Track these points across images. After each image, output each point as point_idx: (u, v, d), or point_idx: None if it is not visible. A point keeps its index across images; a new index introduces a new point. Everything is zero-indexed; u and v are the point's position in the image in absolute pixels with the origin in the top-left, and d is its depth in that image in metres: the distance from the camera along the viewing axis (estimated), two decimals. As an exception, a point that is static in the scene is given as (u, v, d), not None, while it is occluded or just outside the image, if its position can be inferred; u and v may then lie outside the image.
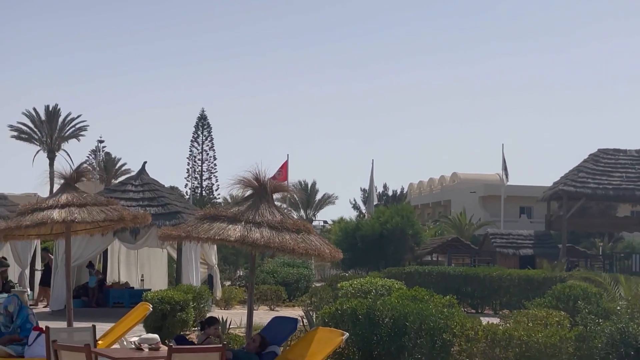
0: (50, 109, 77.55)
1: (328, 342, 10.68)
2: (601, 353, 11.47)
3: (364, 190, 71.96)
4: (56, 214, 12.49)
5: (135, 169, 68.32)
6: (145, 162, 26.46)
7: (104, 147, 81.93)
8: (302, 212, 78.62)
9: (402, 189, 77.11)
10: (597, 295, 17.48)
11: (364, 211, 67.26)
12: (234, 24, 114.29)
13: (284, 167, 46.27)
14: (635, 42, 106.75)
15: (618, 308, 14.65)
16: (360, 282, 20.97)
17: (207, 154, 76.34)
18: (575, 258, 44.91)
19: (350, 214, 71.70)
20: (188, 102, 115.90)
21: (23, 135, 77.08)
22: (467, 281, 29.84)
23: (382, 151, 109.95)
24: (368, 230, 44.28)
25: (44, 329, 11.37)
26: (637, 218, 53.86)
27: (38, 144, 76.97)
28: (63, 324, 13.67)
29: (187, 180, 76.31)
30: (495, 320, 14.84)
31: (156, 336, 11.44)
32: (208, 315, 19.05)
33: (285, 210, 18.16)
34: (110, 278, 28.74)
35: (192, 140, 76.51)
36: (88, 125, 78.06)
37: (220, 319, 15.20)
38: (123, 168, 79.88)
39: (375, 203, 56.07)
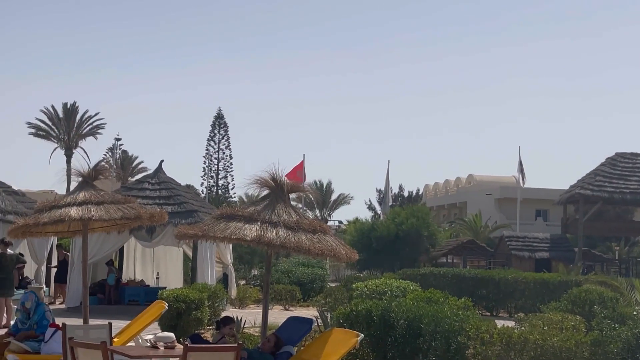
0: (68, 106, 77.92)
1: (343, 343, 10.67)
2: (617, 358, 11.41)
3: (379, 191, 71.20)
4: (74, 212, 12.53)
5: (151, 167, 68.92)
6: (162, 161, 26.62)
7: (121, 145, 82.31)
8: (317, 212, 78.70)
9: (418, 190, 77.07)
10: (613, 299, 17.40)
11: (379, 212, 67.05)
12: (254, 24, 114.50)
13: (300, 168, 46.21)
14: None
15: (634, 313, 14.56)
16: (375, 283, 20.96)
17: (224, 153, 76.62)
18: (591, 262, 44.72)
19: (366, 215, 71.74)
20: (205, 101, 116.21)
21: (40, 133, 77.46)
22: (482, 284, 29.75)
23: (398, 152, 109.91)
24: (383, 231, 44.22)
25: (60, 325, 11.41)
26: (654, 222, 53.52)
27: (55, 141, 77.34)
28: (79, 321, 13.73)
29: (203, 179, 76.78)
30: (510, 324, 14.80)
31: (172, 335, 11.47)
32: (223, 314, 19.09)
33: (301, 210, 18.13)
34: (126, 276, 28.84)
35: (208, 139, 76.78)
36: (105, 123, 78.45)
37: (235, 319, 15.22)
38: (140, 166, 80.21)
39: (390, 204, 55.60)
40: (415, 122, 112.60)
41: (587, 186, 44.63)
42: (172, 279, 28.55)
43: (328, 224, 64.71)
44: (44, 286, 25.09)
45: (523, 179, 55.34)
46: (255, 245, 11.02)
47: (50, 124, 77.04)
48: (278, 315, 21.96)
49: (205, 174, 76.52)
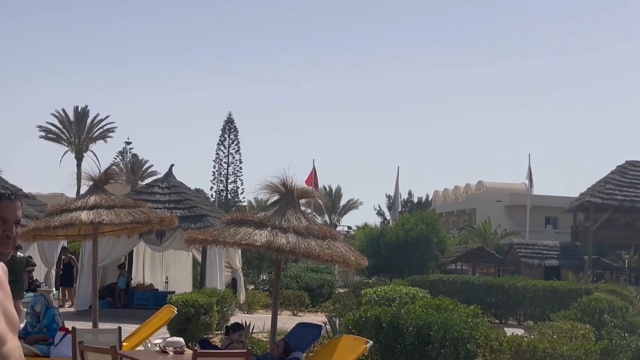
0: (79, 110, 78.11)
1: (352, 350, 10.66)
2: (627, 367, 11.35)
3: (388, 197, 71.56)
4: (84, 216, 12.57)
5: (161, 171, 69.02)
6: (172, 165, 26.68)
7: (131, 148, 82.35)
8: (326, 217, 78.31)
9: (427, 196, 77.11)
10: (623, 308, 17.33)
11: (388, 217, 67.34)
12: (264, 28, 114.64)
13: (311, 175, 46.34)
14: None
15: (644, 322, 14.48)
16: (384, 289, 20.93)
17: (233, 157, 76.55)
18: (601, 270, 44.56)
19: (375, 220, 72.20)
20: (215, 105, 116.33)
21: (51, 136, 77.64)
22: (492, 291, 29.68)
23: (407, 158, 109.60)
24: (392, 237, 44.15)
25: (70, 329, 11.42)
26: (665, 231, 53.31)
27: (66, 144, 77.51)
28: (88, 325, 13.75)
29: (213, 183, 76.48)
30: (519, 332, 14.76)
31: (181, 340, 11.49)
32: (232, 319, 19.09)
33: (310, 216, 18.23)
34: (135, 279, 28.89)
35: (218, 143, 76.75)
36: (116, 127, 78.54)
37: (244, 324, 15.21)
38: (150, 170, 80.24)
39: (399, 210, 55.43)
40: (425, 127, 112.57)
41: (597, 194, 44.50)
42: (181, 283, 28.57)
43: (337, 229, 64.50)
44: (54, 289, 25.16)
45: (532, 186, 55.18)
46: (265, 250, 11.03)
47: (61, 127, 77.24)
48: (286, 321, 21.95)
49: (215, 178, 76.35)
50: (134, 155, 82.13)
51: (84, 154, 76.91)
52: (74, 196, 43.86)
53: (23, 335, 12.60)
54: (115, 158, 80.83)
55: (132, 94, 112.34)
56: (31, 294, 18.94)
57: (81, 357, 9.89)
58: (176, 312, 14.49)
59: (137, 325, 14.45)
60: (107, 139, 78.38)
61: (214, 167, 77.33)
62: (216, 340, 16.41)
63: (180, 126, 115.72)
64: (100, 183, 13.31)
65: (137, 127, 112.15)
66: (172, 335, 16.20)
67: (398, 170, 64.60)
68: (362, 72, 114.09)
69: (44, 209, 14.57)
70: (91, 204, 12.77)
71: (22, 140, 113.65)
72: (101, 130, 78.24)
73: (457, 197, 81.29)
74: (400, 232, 43.61)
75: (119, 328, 11.94)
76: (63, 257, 27.86)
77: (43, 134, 77.60)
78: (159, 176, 28.48)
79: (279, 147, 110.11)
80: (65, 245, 28.56)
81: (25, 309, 16.99)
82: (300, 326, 12.15)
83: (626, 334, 12.19)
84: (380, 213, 74.54)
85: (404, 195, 72.74)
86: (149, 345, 13.40)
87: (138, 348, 13.15)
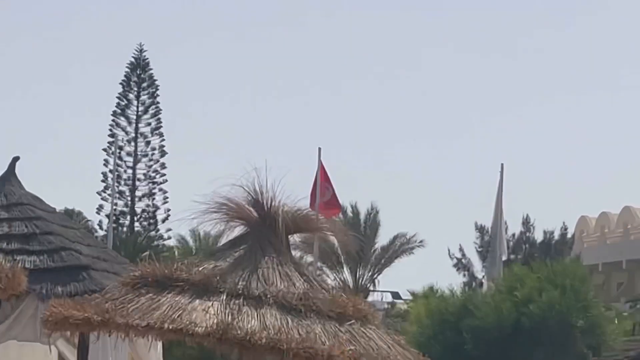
0: None
1: None
2: None
3: (480, 230, 39.92)
4: None
5: None
6: (15, 160, 15.44)
7: None
8: (346, 272, 42.49)
9: (564, 228, 41.52)
10: None
11: (479, 274, 38.47)
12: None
13: (322, 176, 24.21)
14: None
15: None
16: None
17: (146, 143, 42.55)
18: None
19: (450, 280, 37.45)
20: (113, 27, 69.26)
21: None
22: None
23: (516, 152, 65.78)
24: (488, 315, 24.23)
25: None
26: None
27: None
28: None
29: (103, 199, 41.50)
30: None
31: None
32: None
33: (312, 269, 12.46)
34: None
35: (115, 115, 43.00)
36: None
37: None
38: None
39: (504, 258, 31.97)
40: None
41: None
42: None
43: (372, 297, 40.95)
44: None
45: None
46: (214, 345, 7.30)
47: None
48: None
49: (106, 187, 41.22)
50: None
51: None
52: None
53: None
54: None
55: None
56: None
57: None
58: None
59: None
60: None
61: (106, 164, 41.37)
62: None
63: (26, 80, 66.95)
64: None
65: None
66: None
67: (501, 174, 30.39)
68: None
69: None
70: None
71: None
72: None
73: (627, 232, 46.30)
74: (505, 307, 24.56)
75: None
76: None
77: None
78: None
79: (250, 123, 65.14)
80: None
81: None
82: None
83: None
84: (461, 264, 41.22)
85: (514, 228, 39.48)
86: None
87: None
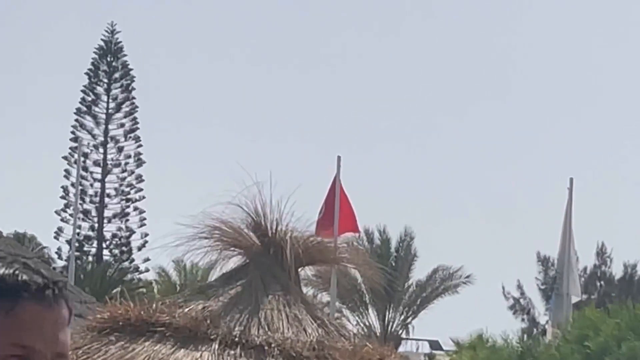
0: None
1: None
2: None
3: (543, 261, 33.89)
4: None
5: None
6: None
7: None
8: (372, 315, 35.39)
9: None
10: None
11: (541, 318, 33.76)
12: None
13: (341, 194, 19.55)
14: None
15: None
16: None
17: (118, 147, 35.74)
18: None
19: (504, 326, 34.75)
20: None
21: None
22: None
23: (588, 164, 55.63)
24: None
25: None
26: None
27: None
28: None
29: (63, 219, 34.73)
30: None
31: None
32: None
33: (329, 311, 11.28)
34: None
35: (80, 114, 35.29)
36: None
37: None
38: None
39: (574, 299, 25.77)
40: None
41: None
42: None
43: (404, 349, 34.69)
44: None
45: None
46: None
47: None
48: None
49: (68, 205, 34.62)
50: None
51: None
52: None
53: None
54: None
55: None
56: None
57: None
58: None
59: None
60: None
61: (67, 176, 34.66)
62: None
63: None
64: None
65: None
66: None
67: (570, 192, 24.35)
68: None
69: None
70: None
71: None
72: None
73: None
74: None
75: None
76: None
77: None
78: None
79: (250, 125, 56.62)
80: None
81: None
82: None
83: None
84: (518, 306, 35.84)
85: (587, 260, 34.27)
86: None
87: None
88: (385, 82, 58.25)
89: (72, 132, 34.11)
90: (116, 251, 34.67)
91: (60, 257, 33.52)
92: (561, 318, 22.71)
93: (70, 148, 33.01)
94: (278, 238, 6.57)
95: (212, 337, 6.04)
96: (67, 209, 33.46)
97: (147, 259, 31.98)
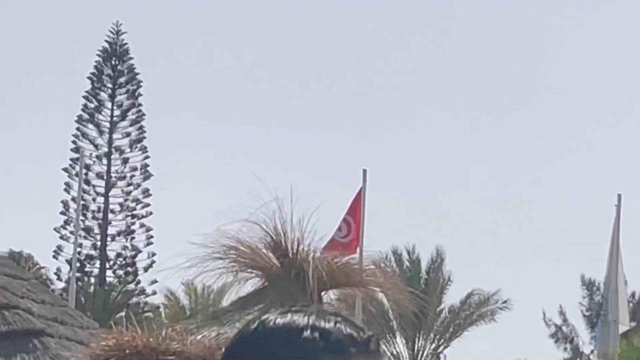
0: None
1: None
2: None
3: (588, 286, 31.37)
4: None
5: None
6: None
7: None
8: (399, 342, 32.82)
9: None
10: None
11: (585, 348, 31.72)
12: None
13: (358, 206, 18.90)
14: None
15: None
16: None
17: (123, 158, 33.15)
18: None
19: (546, 356, 31.99)
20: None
21: None
22: None
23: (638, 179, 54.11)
24: None
25: None
26: None
27: None
28: None
29: (63, 237, 32.01)
30: None
31: None
32: None
33: None
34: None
35: (81, 122, 32.57)
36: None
37: None
38: None
39: (622, 327, 23.46)
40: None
41: None
42: None
43: None
44: None
45: None
46: None
47: None
48: None
49: (68, 222, 32.02)
50: None
51: None
52: None
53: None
54: None
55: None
56: None
57: None
58: None
59: None
60: None
61: (67, 190, 32.30)
62: None
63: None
64: None
65: None
66: None
67: (618, 209, 23.24)
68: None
69: None
70: None
71: None
72: None
73: None
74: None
75: None
76: None
77: None
78: None
79: (268, 135, 51.97)
80: None
81: None
82: None
83: None
84: (561, 334, 33.13)
85: (636, 284, 31.81)
86: None
87: None
88: (417, 91, 55.54)
89: (73, 142, 32.39)
90: (120, 272, 32.69)
91: (59, 278, 31.80)
92: (607, 348, 21.75)
93: (71, 159, 31.51)
94: (300, 259, 6.26)
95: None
96: (68, 226, 31.83)
97: (155, 281, 29.97)
